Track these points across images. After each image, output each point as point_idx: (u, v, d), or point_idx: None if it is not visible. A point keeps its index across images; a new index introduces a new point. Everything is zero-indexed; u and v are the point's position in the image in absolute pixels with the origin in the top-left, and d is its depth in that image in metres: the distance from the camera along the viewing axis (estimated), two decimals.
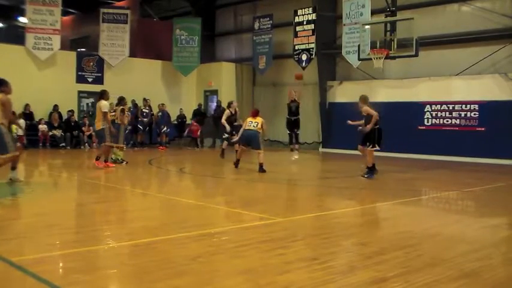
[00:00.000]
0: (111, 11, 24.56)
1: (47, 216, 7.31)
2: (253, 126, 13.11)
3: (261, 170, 12.66)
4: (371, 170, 11.83)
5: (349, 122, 12.25)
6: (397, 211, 8.26)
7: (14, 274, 4.33)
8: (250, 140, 13.16)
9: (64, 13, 24.95)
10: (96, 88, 22.85)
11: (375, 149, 11.76)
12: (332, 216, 7.66)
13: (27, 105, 20.80)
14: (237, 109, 16.65)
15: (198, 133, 23.02)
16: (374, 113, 11.60)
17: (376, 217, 7.93)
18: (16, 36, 26.59)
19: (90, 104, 22.87)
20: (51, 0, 21.93)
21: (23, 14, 22.89)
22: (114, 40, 23.53)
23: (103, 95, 13.57)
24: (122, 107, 14.57)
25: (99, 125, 13.35)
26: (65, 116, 21.46)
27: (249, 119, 13.35)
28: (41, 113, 21.15)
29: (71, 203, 8.83)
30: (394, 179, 12.63)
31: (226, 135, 16.09)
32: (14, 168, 10.15)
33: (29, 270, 4.33)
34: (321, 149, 22.07)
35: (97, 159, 13.36)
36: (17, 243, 5.44)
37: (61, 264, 4.82)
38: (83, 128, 21.19)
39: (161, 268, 4.59)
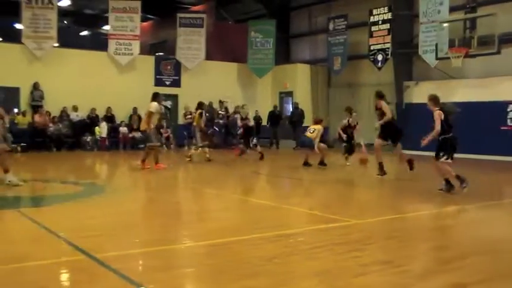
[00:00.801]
0: (187, 15, 25.16)
1: (127, 215, 7.59)
2: (310, 132, 14.07)
3: (321, 164, 13.81)
4: (448, 183, 9.54)
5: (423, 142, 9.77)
6: (477, 215, 7.98)
7: (97, 270, 4.53)
8: (305, 145, 14.40)
9: (143, 19, 25.74)
10: (174, 91, 23.55)
11: (448, 161, 9.43)
12: (408, 219, 7.49)
13: (108, 108, 21.62)
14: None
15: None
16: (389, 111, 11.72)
17: (455, 221, 7.69)
18: (99, 43, 27.75)
19: (168, 106, 23.47)
20: (131, 7, 22.73)
21: (106, 22, 23.84)
22: (190, 44, 24.05)
23: (156, 97, 13.49)
24: (200, 110, 15.01)
25: (144, 125, 13.34)
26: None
27: (311, 126, 14.39)
28: (122, 116, 21.94)
29: (148, 202, 9.10)
30: (474, 182, 12.17)
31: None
32: (6, 171, 9.69)
33: (111, 267, 4.51)
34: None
35: (143, 161, 13.09)
36: (101, 241, 5.67)
37: (141, 262, 4.99)
38: (161, 130, 21.76)
39: (237, 268, 4.66)
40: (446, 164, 9.41)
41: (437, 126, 9.22)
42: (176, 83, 23.82)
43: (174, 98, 23.40)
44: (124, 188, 10.79)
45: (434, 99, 9.58)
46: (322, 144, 14.03)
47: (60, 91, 20.43)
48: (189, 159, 15.33)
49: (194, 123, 15.40)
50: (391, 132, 11.98)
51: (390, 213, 7.80)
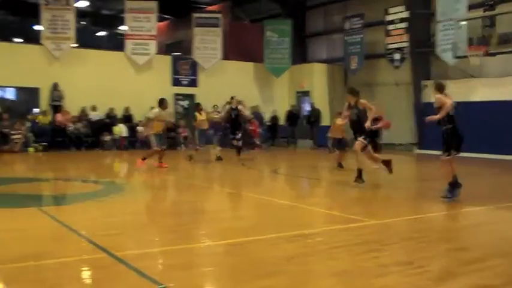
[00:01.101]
0: (203, 15, 25.24)
1: (146, 214, 7.65)
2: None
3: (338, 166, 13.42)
4: (453, 187, 8.54)
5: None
6: (497, 216, 7.90)
7: (118, 268, 4.57)
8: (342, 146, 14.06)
9: (159, 19, 25.87)
10: (191, 91, 23.64)
11: (450, 156, 8.46)
12: (428, 219, 7.44)
13: (127, 108, 21.76)
14: (239, 106, 16.10)
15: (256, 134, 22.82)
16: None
17: (475, 222, 7.61)
18: (117, 43, 27.94)
19: (186, 106, 23.58)
20: (148, 7, 22.87)
21: (123, 23, 24.03)
22: (207, 43, 24.12)
23: (161, 103, 13.58)
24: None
25: (148, 130, 13.81)
26: None
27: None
28: (140, 115, 22.04)
29: (167, 201, 9.16)
30: (495, 183, 12.07)
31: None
32: None
33: (131, 265, 4.55)
34: (416, 151, 21.47)
35: (143, 159, 13.33)
36: (120, 239, 5.72)
37: (160, 261, 5.02)
38: (179, 130, 21.85)
39: (255, 268, 4.67)
40: (447, 163, 8.36)
41: (448, 101, 8.19)
42: (193, 83, 23.91)
43: (191, 97, 23.48)
44: (143, 187, 10.87)
45: (437, 86, 8.75)
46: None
47: (79, 91, 20.60)
48: (190, 159, 15.42)
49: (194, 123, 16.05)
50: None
51: (409, 214, 7.76)
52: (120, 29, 30.20)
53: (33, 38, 22.53)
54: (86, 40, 25.73)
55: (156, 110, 13.52)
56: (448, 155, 8.37)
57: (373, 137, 12.92)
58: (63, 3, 21.15)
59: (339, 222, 6.97)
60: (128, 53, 22.58)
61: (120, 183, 10.66)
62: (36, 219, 6.78)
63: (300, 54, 26.91)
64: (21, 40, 27.21)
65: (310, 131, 23.42)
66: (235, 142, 15.71)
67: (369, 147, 10.76)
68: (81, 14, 25.33)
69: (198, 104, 15.24)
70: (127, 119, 21.63)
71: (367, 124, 10.31)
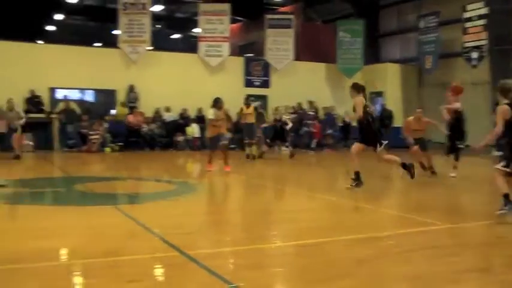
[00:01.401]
0: (275, 16, 25.34)
1: (218, 214, 7.76)
2: None
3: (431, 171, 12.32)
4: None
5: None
6: None
7: (190, 266, 4.66)
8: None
9: (232, 21, 26.18)
10: (263, 92, 23.75)
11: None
12: (503, 225, 7.11)
13: (200, 109, 22.14)
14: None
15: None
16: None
17: None
18: (190, 45, 28.54)
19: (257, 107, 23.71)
20: (221, 10, 23.19)
21: (196, 25, 24.52)
22: (279, 44, 24.19)
23: (216, 103, 12.93)
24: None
25: (209, 132, 13.22)
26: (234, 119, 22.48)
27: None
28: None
29: (238, 201, 9.25)
30: None
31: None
32: None
33: (202, 264, 4.62)
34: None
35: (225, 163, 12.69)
36: (192, 238, 5.83)
37: (231, 260, 5.08)
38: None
39: (325, 269, 4.64)
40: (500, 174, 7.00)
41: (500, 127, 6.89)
42: (265, 84, 24.04)
43: (263, 98, 23.61)
44: (214, 187, 11.03)
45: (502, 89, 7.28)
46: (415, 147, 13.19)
47: (153, 92, 21.17)
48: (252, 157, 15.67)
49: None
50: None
51: (486, 218, 7.45)
52: (193, 32, 30.87)
53: (111, 42, 23.36)
54: (160, 43, 26.42)
55: (212, 110, 12.90)
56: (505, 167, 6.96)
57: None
58: (139, 7, 21.80)
59: (411, 225, 6.80)
60: (201, 55, 22.99)
61: (193, 183, 10.86)
62: (112, 217, 7.02)
63: (373, 55, 26.48)
64: (100, 44, 28.28)
65: (382, 132, 23.00)
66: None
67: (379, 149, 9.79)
68: (156, 17, 26.03)
69: (217, 100, 13.07)
70: (200, 119, 22.01)
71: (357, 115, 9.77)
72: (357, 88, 9.79)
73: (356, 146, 9.98)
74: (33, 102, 19.64)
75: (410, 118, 12.77)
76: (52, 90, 20.52)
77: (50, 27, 33.65)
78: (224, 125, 13.02)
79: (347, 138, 23.93)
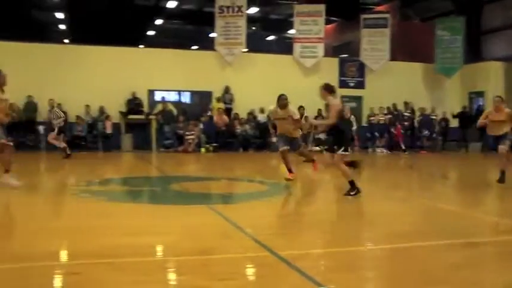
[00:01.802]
0: (371, 16, 24.90)
1: (310, 215, 7.70)
2: None
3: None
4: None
5: None
6: None
7: (280, 266, 4.65)
8: None
9: (327, 22, 26.02)
10: (358, 92, 23.42)
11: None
12: None
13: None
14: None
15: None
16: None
17: None
18: (285, 46, 28.68)
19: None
20: (316, 11, 23.11)
21: (291, 27, 24.60)
22: (374, 44, 23.73)
23: (278, 100, 10.99)
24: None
25: (295, 133, 11.03)
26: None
27: None
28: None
29: (331, 202, 9.13)
30: None
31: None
32: (7, 171, 9.10)
33: (293, 264, 4.59)
34: None
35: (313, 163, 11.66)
36: (284, 239, 5.82)
37: (322, 262, 5.02)
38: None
39: (420, 274, 4.47)
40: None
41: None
42: (360, 85, 23.69)
43: (358, 99, 23.29)
44: (306, 188, 10.97)
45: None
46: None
47: (248, 94, 21.46)
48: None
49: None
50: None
51: None
52: (288, 33, 30.99)
53: (207, 45, 23.94)
54: (255, 45, 26.75)
55: (271, 107, 11.88)
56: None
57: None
58: (235, 10, 22.18)
59: (510, 232, 6.42)
60: (296, 56, 23.02)
61: (285, 184, 10.85)
62: (206, 216, 7.15)
63: (473, 53, 25.32)
64: (197, 47, 29.07)
65: (480, 134, 22.01)
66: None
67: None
68: (251, 20, 26.39)
69: (278, 97, 11.17)
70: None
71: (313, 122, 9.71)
72: (329, 89, 8.96)
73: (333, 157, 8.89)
74: (134, 103, 20.53)
75: (490, 109, 11.39)
76: (151, 92, 21.33)
77: (151, 32, 35.00)
78: (288, 125, 10.77)
79: (444, 140, 23.12)
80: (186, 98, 22.58)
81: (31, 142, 19.21)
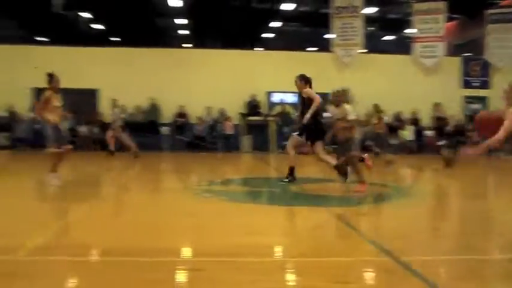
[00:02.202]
0: (497, 11, 23.52)
1: (431, 220, 7.46)
2: None
3: None
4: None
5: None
6: None
7: (400, 272, 4.54)
8: None
9: (447, 19, 24.98)
10: (483, 93, 22.27)
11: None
12: None
13: (414, 112, 21.51)
14: None
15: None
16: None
17: None
18: (403, 46, 27.91)
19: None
20: (436, 8, 22.29)
21: (410, 26, 23.93)
22: (502, 41, 22.42)
23: (343, 96, 10.33)
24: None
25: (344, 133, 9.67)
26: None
27: None
28: (427, 118, 21.64)
29: (453, 208, 8.79)
30: None
31: None
32: (54, 170, 9.54)
33: (414, 270, 4.48)
34: None
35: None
36: (405, 244, 5.65)
37: (445, 269, 4.84)
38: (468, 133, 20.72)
39: None
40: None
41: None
42: (485, 85, 22.50)
43: (482, 100, 22.15)
44: (428, 192, 10.62)
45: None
46: None
47: (366, 94, 21.10)
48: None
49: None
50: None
51: None
52: (406, 32, 30.13)
53: (324, 47, 23.90)
54: (373, 45, 26.29)
55: (347, 106, 10.26)
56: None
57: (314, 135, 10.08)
58: (351, 11, 21.96)
59: None
60: (416, 56, 22.35)
61: (407, 187, 10.58)
62: (324, 218, 7.16)
63: None
64: (314, 49, 29.09)
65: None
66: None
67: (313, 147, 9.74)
68: (369, 20, 25.96)
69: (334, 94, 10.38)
70: (414, 122, 21.43)
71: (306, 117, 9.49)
72: (305, 79, 10.06)
73: (292, 140, 10.03)
74: (252, 105, 20.99)
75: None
76: (269, 94, 21.69)
77: (267, 35, 35.55)
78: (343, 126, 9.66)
79: None
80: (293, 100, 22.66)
81: (154, 143, 20.22)
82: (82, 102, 19.14)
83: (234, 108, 20.84)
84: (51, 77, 9.65)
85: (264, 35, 34.20)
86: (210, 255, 4.97)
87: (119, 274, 4.38)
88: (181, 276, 4.48)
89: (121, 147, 17.06)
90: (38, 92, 20.56)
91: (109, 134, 17.15)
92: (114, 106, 17.45)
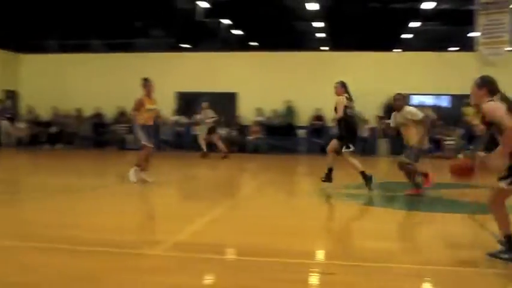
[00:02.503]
0: None
1: None
2: None
3: None
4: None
5: None
6: None
7: None
8: None
9: None
10: None
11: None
12: None
13: None
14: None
15: None
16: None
17: None
18: None
19: None
20: None
21: None
22: None
23: (403, 100, 9.95)
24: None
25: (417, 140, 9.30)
26: None
27: None
28: None
29: None
30: None
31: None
32: (142, 169, 10.25)
33: None
34: None
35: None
36: None
37: None
38: None
39: None
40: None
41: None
42: None
43: None
44: None
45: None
46: None
47: None
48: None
49: None
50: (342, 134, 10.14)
51: None
52: None
53: (465, 46, 22.80)
54: None
55: (411, 108, 10.03)
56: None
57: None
58: (499, 6, 20.68)
59: None
60: None
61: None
62: (465, 225, 6.86)
63: None
64: (456, 48, 27.80)
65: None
66: None
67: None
68: None
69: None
70: None
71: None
72: (344, 86, 9.96)
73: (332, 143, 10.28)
74: (389, 108, 20.46)
75: None
76: (408, 96, 21.06)
77: (406, 35, 34.55)
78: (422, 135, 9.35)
79: None
80: (443, 102, 21.77)
81: (290, 146, 20.47)
82: (222, 105, 19.84)
83: (372, 110, 20.50)
84: (146, 81, 10.34)
85: (403, 36, 33.34)
86: (343, 259, 4.99)
87: (252, 273, 4.54)
88: (313, 279, 4.53)
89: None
90: (180, 96, 21.91)
91: (215, 137, 17.74)
92: (205, 108, 17.98)
